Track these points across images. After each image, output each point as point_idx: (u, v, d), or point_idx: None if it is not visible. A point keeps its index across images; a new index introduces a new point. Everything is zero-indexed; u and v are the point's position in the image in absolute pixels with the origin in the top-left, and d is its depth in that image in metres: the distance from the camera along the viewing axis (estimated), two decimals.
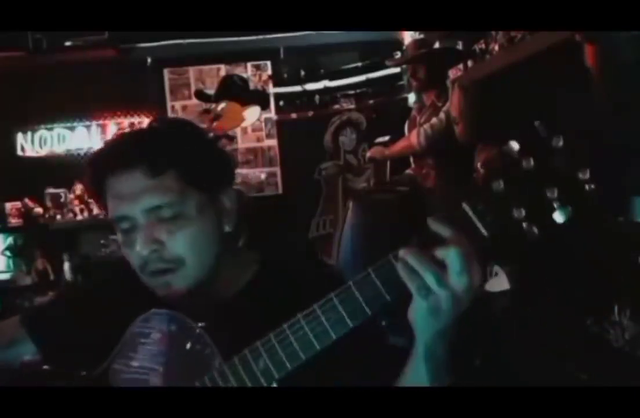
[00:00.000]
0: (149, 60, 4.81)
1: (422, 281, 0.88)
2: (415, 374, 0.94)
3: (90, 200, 4.73)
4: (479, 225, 0.89)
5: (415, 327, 0.92)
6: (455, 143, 3.00)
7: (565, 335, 1.99)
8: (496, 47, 2.49)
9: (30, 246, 4.69)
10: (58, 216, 4.72)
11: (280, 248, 1.22)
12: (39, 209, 4.70)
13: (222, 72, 4.88)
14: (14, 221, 4.74)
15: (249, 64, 4.94)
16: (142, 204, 1.05)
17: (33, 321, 1.24)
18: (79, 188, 4.75)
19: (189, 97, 4.83)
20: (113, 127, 4.87)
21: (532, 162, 0.87)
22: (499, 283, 2.06)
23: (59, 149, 4.87)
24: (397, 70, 4.49)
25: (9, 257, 4.78)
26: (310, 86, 4.78)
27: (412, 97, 4.43)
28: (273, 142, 4.96)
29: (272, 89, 4.86)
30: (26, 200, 4.69)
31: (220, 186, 1.12)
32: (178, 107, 4.93)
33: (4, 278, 4.70)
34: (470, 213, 0.90)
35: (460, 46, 3.27)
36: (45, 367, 1.13)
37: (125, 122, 4.86)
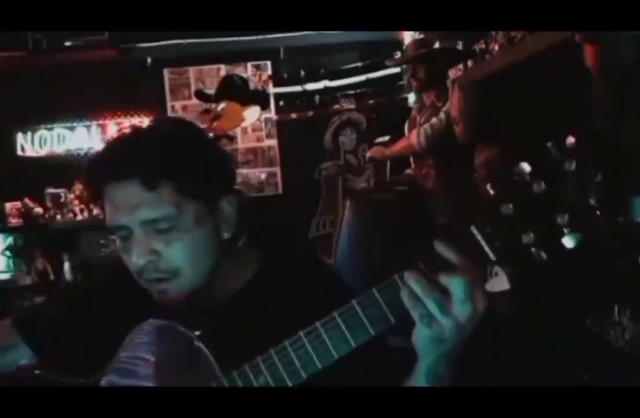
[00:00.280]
0: (149, 60, 4.81)
1: (425, 310, 0.88)
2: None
3: None
4: (487, 249, 0.89)
5: (417, 350, 0.92)
6: (455, 143, 3.00)
7: (565, 335, 1.99)
8: (496, 47, 2.49)
9: (30, 246, 4.69)
10: (58, 216, 4.72)
11: (280, 248, 1.21)
12: (39, 209, 4.69)
13: (222, 72, 4.88)
14: (14, 221, 4.74)
15: (249, 64, 4.94)
16: (138, 217, 1.03)
17: (27, 324, 1.23)
18: (79, 188, 4.75)
19: (189, 97, 4.83)
20: (113, 127, 4.86)
21: (543, 185, 0.86)
22: (499, 283, 2.06)
23: (59, 149, 4.87)
24: (397, 70, 4.49)
25: (9, 257, 4.78)
26: (310, 86, 4.78)
27: (412, 97, 4.43)
28: (273, 142, 4.96)
29: (272, 89, 4.87)
30: (26, 200, 4.68)
31: (219, 193, 1.10)
32: (178, 107, 4.93)
33: (4, 278, 4.70)
34: (479, 237, 0.89)
35: (460, 46, 3.27)
36: (41, 371, 1.12)
37: (126, 122, 4.86)
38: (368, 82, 4.67)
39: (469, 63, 2.81)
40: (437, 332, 0.88)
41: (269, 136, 4.96)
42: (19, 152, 4.84)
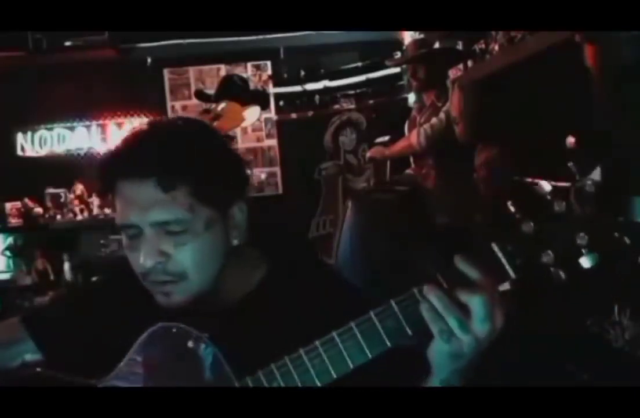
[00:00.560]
0: (149, 60, 4.81)
1: (445, 326, 0.88)
2: None
3: (91, 200, 4.75)
4: (508, 267, 0.89)
5: (433, 365, 0.93)
6: (455, 143, 3.00)
7: (565, 335, 1.99)
8: (496, 47, 2.49)
9: (30, 246, 4.69)
10: (58, 216, 4.72)
11: (286, 251, 1.20)
12: (39, 209, 4.69)
13: (222, 72, 4.87)
14: (14, 221, 4.74)
15: (249, 64, 4.94)
16: (150, 217, 1.02)
17: (34, 320, 1.23)
18: (79, 188, 4.76)
19: (189, 97, 4.82)
20: (113, 127, 4.87)
21: (564, 205, 0.86)
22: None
23: (59, 149, 4.87)
24: (397, 70, 4.48)
25: (9, 257, 4.77)
26: (310, 86, 4.78)
27: (412, 97, 4.43)
28: (273, 142, 4.96)
29: (272, 89, 4.86)
30: (26, 200, 4.68)
31: (232, 200, 1.09)
32: (178, 107, 4.93)
33: (4, 278, 4.70)
34: (500, 254, 0.89)
35: (460, 46, 3.27)
36: (42, 368, 1.12)
37: (126, 122, 4.86)
38: (368, 82, 4.67)
39: (469, 63, 2.81)
40: (455, 348, 0.89)
41: (269, 136, 4.95)
42: (19, 152, 4.84)
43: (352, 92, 4.73)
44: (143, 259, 1.03)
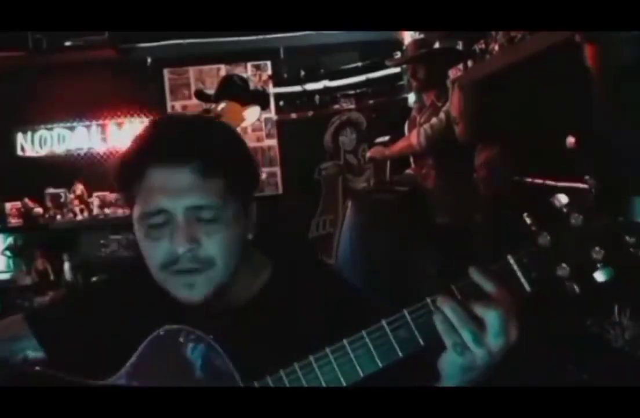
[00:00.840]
0: (149, 60, 4.81)
1: (459, 339, 0.88)
2: None
3: (91, 200, 4.75)
4: (523, 280, 0.89)
5: (443, 375, 0.93)
6: (455, 143, 3.00)
7: (565, 335, 1.99)
8: (496, 47, 2.49)
9: (30, 246, 4.70)
10: (58, 216, 4.72)
11: (287, 250, 1.21)
12: (39, 209, 4.69)
13: (222, 72, 4.88)
14: (14, 221, 4.74)
15: (249, 64, 4.94)
16: (185, 201, 1.02)
17: (36, 318, 1.23)
18: (79, 188, 4.76)
19: (189, 97, 4.82)
20: (113, 127, 4.87)
21: (580, 219, 0.86)
22: None
23: (59, 149, 4.87)
24: (397, 70, 4.48)
25: (9, 257, 4.78)
26: (310, 86, 4.78)
27: (412, 97, 4.43)
28: (273, 142, 4.96)
29: (272, 89, 4.86)
30: (26, 200, 4.68)
31: (252, 197, 1.12)
32: (178, 107, 4.93)
33: (4, 278, 4.70)
34: (515, 267, 0.89)
35: (460, 46, 3.27)
36: (46, 367, 1.11)
37: (126, 122, 4.86)
38: (368, 82, 4.67)
39: (469, 63, 2.81)
40: (468, 361, 0.89)
41: (269, 136, 4.96)
42: (19, 152, 4.84)
43: (352, 92, 4.73)
44: (175, 246, 1.02)
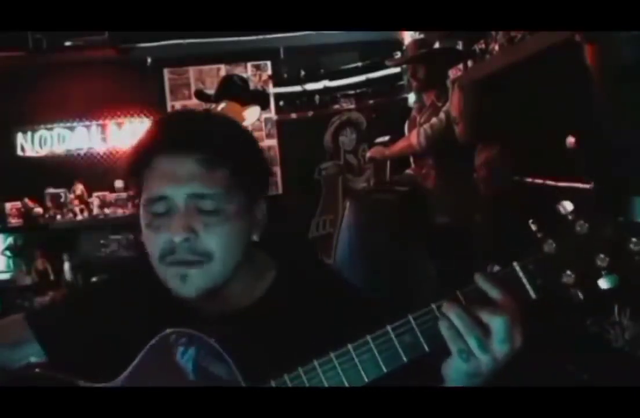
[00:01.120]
0: (149, 60, 4.81)
1: (465, 345, 0.88)
2: None
3: (91, 200, 4.75)
4: (528, 287, 0.89)
5: (447, 380, 0.93)
6: (455, 143, 3.00)
7: (565, 335, 1.99)
8: (496, 47, 2.49)
9: (30, 246, 4.70)
10: (58, 216, 4.72)
11: (290, 252, 1.20)
12: (39, 209, 4.69)
13: (222, 72, 4.88)
14: (14, 221, 4.74)
15: (249, 64, 4.94)
16: (187, 188, 1.02)
17: (37, 317, 1.22)
18: (79, 188, 4.76)
19: (189, 97, 4.82)
20: (113, 127, 4.87)
21: (586, 226, 0.87)
22: None
23: (59, 149, 4.87)
24: (397, 70, 4.49)
25: (9, 257, 4.78)
26: (310, 86, 4.78)
27: (412, 97, 4.43)
28: (273, 142, 4.96)
29: (272, 89, 4.86)
30: (26, 200, 4.68)
31: (260, 194, 1.11)
32: (178, 107, 4.93)
33: (4, 278, 4.70)
34: (521, 274, 0.90)
35: (460, 46, 3.27)
36: (48, 368, 1.11)
37: (125, 122, 4.87)
38: (368, 82, 4.67)
39: (469, 63, 2.81)
40: (473, 367, 0.89)
41: (269, 136, 4.96)
42: (19, 152, 4.84)
43: (352, 92, 4.74)
44: (172, 233, 1.02)
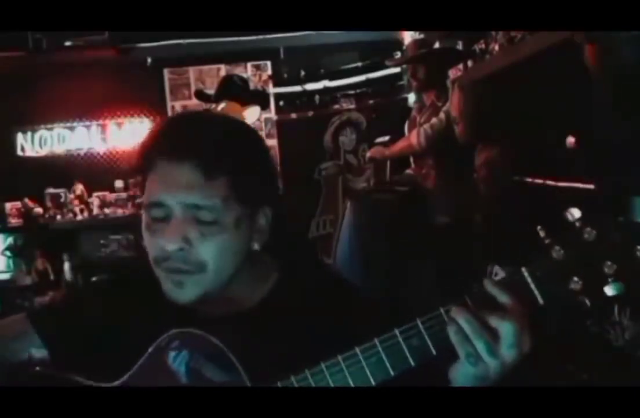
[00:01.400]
0: (149, 60, 4.81)
1: (473, 349, 0.88)
2: None
3: (90, 200, 4.75)
4: (536, 293, 0.90)
5: (454, 384, 0.93)
6: (455, 143, 3.00)
7: (565, 335, 1.99)
8: (496, 47, 2.49)
9: (30, 246, 4.70)
10: (58, 216, 4.73)
11: (292, 253, 1.20)
12: (39, 209, 4.70)
13: (222, 72, 4.88)
14: (14, 221, 4.74)
15: (249, 64, 4.94)
16: (182, 198, 1.00)
17: (39, 315, 1.22)
18: (79, 188, 4.76)
19: (189, 97, 4.82)
20: (113, 127, 4.87)
21: (593, 233, 0.87)
22: None
23: (59, 149, 4.87)
24: (397, 70, 4.49)
25: (9, 257, 4.78)
26: (310, 86, 4.78)
27: (412, 97, 4.44)
28: (273, 142, 4.95)
29: (272, 89, 4.87)
30: (26, 200, 4.69)
31: (262, 203, 1.08)
32: (178, 107, 4.93)
33: (4, 278, 4.71)
34: (529, 279, 0.90)
35: (460, 46, 3.27)
36: (50, 366, 1.11)
37: (125, 122, 4.87)
38: (368, 82, 4.67)
39: (469, 63, 2.81)
40: (481, 372, 0.89)
41: (269, 136, 4.95)
42: (19, 152, 4.84)
43: (352, 92, 4.74)
44: (165, 242, 1.00)
